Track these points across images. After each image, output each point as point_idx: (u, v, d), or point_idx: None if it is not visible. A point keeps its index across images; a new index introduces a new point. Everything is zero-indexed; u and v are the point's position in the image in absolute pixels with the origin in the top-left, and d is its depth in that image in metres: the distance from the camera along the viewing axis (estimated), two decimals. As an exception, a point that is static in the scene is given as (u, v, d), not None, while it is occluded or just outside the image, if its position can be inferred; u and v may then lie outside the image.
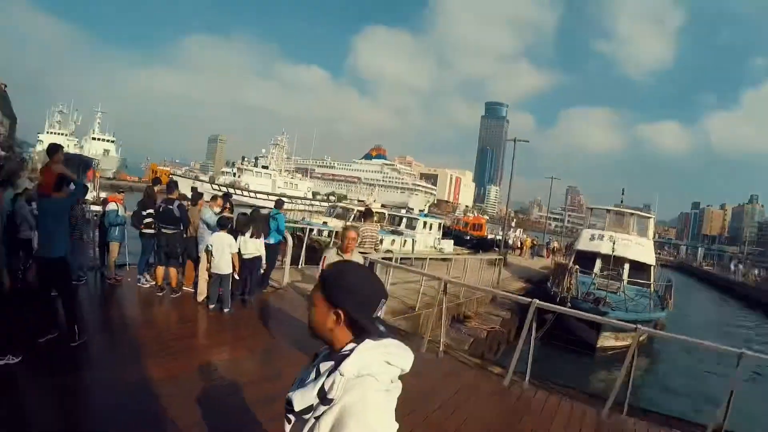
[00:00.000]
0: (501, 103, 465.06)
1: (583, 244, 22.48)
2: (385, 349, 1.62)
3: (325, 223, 26.56)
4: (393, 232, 27.59)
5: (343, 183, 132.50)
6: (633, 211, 23.77)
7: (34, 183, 10.06)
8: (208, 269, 8.79)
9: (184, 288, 9.68)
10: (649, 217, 23.75)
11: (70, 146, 69.70)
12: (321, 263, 6.38)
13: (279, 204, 11.57)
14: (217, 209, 9.67)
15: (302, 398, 1.58)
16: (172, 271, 9.44)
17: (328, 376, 1.56)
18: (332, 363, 1.60)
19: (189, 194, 10.92)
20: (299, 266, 14.56)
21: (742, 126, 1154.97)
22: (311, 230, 20.36)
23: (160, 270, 9.41)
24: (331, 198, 71.88)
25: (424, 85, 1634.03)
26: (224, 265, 8.63)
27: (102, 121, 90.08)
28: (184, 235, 9.51)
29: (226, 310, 8.65)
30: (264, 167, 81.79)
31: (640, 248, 21.12)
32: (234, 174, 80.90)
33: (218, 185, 70.96)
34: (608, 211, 24.13)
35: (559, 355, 11.81)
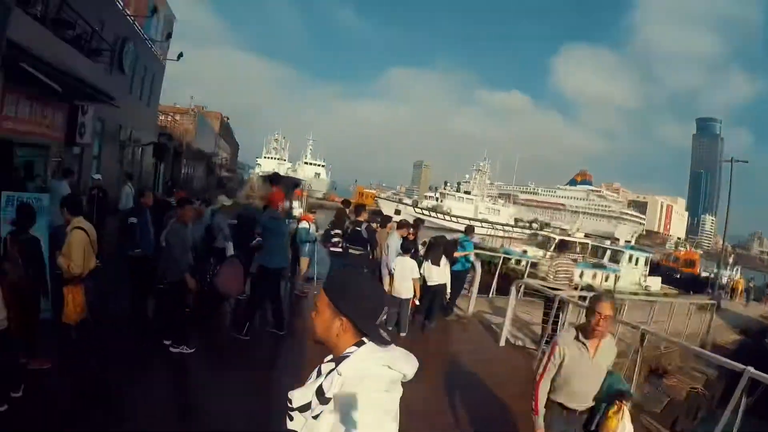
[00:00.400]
0: (713, 118, 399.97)
1: None
2: (386, 353, 1.67)
3: (524, 251, 25.71)
4: (595, 266, 25.72)
5: (547, 210, 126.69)
6: None
7: (248, 201, 11.05)
8: (390, 292, 8.79)
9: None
10: None
11: (283, 169, 77.46)
12: (551, 350, 3.94)
13: (468, 230, 11.34)
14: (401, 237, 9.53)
15: (301, 396, 1.67)
16: (358, 293, 9.70)
17: (327, 377, 1.62)
18: (333, 365, 1.66)
19: (393, 216, 11.26)
20: (489, 296, 13.79)
21: None
22: (508, 259, 19.81)
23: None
24: (533, 225, 69.55)
25: (628, 104, 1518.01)
26: (404, 290, 8.57)
27: (313, 148, 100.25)
28: (371, 257, 9.67)
29: (402, 334, 8.59)
30: (466, 192, 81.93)
31: None
32: (437, 199, 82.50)
33: (421, 209, 72.85)
34: None
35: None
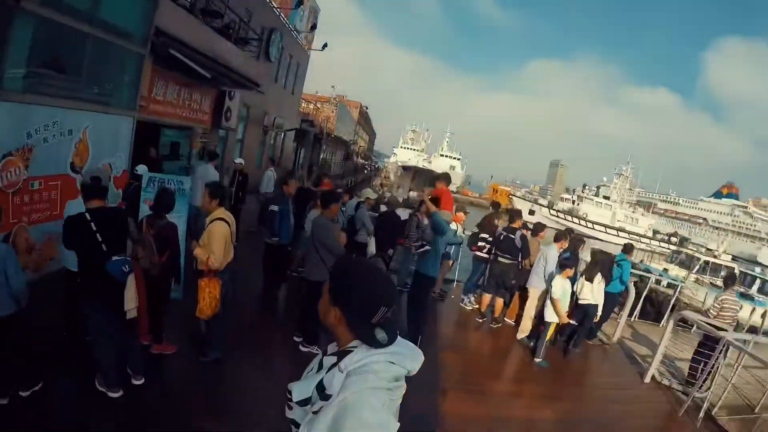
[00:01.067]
0: None
1: None
2: (391, 349, 1.59)
3: (665, 270, 23.65)
4: (742, 296, 22.31)
5: (686, 223, 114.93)
6: None
7: (381, 192, 10.88)
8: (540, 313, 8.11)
9: (505, 319, 9.29)
10: None
11: (419, 160, 78.05)
12: None
13: (628, 249, 10.08)
14: (560, 250, 8.60)
15: (301, 390, 1.62)
16: (499, 301, 9.14)
17: (328, 372, 1.57)
18: (335, 359, 1.60)
19: (527, 216, 10.55)
20: (632, 319, 12.34)
21: None
22: (647, 277, 18.30)
23: (487, 297, 9.19)
24: (672, 239, 64.57)
25: None
26: (551, 312, 7.74)
27: (450, 140, 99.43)
28: (519, 267, 9.00)
29: (537, 360, 7.74)
30: (605, 197, 77.10)
31: None
32: (573, 201, 79.10)
33: (556, 211, 70.35)
34: None
35: None
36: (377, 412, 1.45)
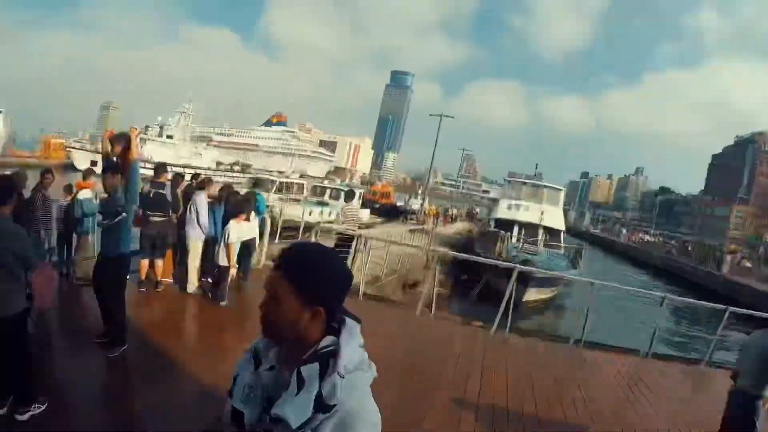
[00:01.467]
0: (407, 72, 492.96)
1: (502, 212, 26.62)
2: (356, 330, 1.48)
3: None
4: (319, 204, 28.55)
5: (241, 151, 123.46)
6: (547, 184, 29.15)
7: None
8: (215, 260, 8.19)
9: (163, 280, 8.47)
10: (560, 190, 29.40)
11: None
12: None
13: (259, 183, 11.40)
14: (209, 199, 8.75)
15: (298, 412, 1.33)
16: (159, 262, 8.27)
17: (322, 381, 1.34)
18: (316, 365, 1.38)
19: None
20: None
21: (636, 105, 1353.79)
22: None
23: (145, 263, 8.19)
24: (236, 168, 69.09)
25: (335, 53, 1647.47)
26: (223, 256, 8.08)
27: None
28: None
29: (223, 303, 7.99)
30: (169, 137, 76.39)
31: (553, 216, 25.66)
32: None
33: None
34: (524, 183, 29.58)
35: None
36: (375, 409, 1.41)
